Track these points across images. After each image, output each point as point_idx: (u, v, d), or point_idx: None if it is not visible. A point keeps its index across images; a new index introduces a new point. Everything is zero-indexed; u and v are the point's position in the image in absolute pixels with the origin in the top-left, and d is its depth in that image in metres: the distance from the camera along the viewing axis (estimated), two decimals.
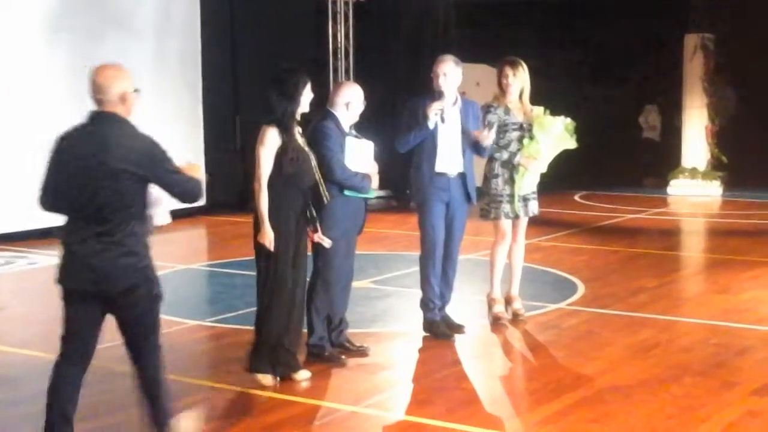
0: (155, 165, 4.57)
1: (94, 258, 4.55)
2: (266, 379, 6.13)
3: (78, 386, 4.85)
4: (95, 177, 4.49)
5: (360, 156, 6.60)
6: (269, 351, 6.15)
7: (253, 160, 6.08)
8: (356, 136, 6.68)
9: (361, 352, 6.86)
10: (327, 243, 6.37)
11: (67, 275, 4.68)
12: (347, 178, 6.52)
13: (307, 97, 6.12)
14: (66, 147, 4.66)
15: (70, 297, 4.73)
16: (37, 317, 8.46)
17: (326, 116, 6.62)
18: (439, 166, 7.21)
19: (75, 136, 4.69)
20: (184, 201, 4.81)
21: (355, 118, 6.70)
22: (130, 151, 4.53)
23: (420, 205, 7.33)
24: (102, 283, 4.56)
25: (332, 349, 6.72)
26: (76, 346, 4.82)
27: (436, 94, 7.19)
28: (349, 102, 6.61)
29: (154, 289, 4.68)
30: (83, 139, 4.63)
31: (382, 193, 15.02)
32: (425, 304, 7.41)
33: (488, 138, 7.27)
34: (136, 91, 4.71)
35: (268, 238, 5.98)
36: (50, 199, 4.68)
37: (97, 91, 4.70)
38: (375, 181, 6.71)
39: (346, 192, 6.56)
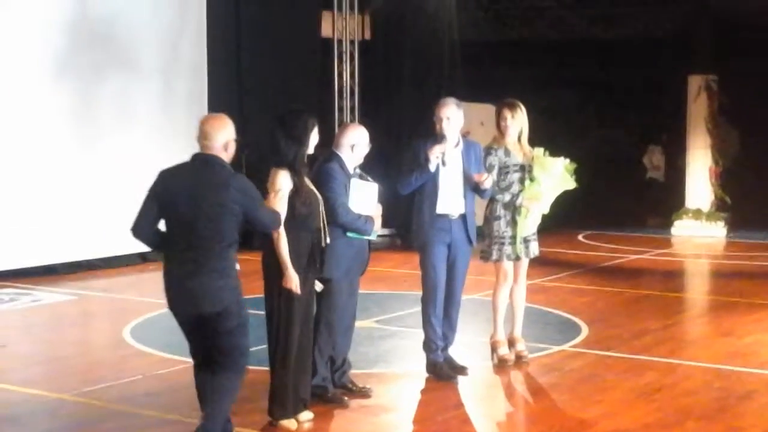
0: (249, 201, 5.32)
1: (189, 281, 5.24)
2: (291, 423, 6.10)
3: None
4: (198, 210, 5.23)
5: (364, 198, 6.62)
6: (290, 394, 6.12)
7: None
8: (361, 177, 6.71)
9: (364, 394, 6.84)
10: (319, 287, 6.37)
11: (172, 301, 5.37)
12: (351, 220, 6.53)
13: (314, 139, 6.15)
14: (170, 183, 5.40)
15: (180, 321, 5.47)
16: (41, 355, 8.46)
17: (331, 158, 6.65)
18: (440, 208, 7.24)
19: (180, 174, 5.44)
20: (266, 230, 5.71)
21: (360, 159, 6.73)
22: (230, 189, 5.26)
23: (421, 247, 7.35)
24: (198, 304, 5.28)
25: (335, 390, 6.70)
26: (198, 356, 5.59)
27: (439, 137, 7.23)
28: (355, 144, 6.64)
29: (244, 310, 5.47)
30: (189, 177, 5.37)
31: (386, 231, 15.02)
32: (428, 345, 7.41)
33: (489, 181, 7.31)
34: (236, 140, 5.42)
35: (294, 282, 5.97)
36: (145, 229, 5.43)
37: (203, 137, 5.38)
38: (378, 224, 6.72)
39: (349, 234, 6.58)
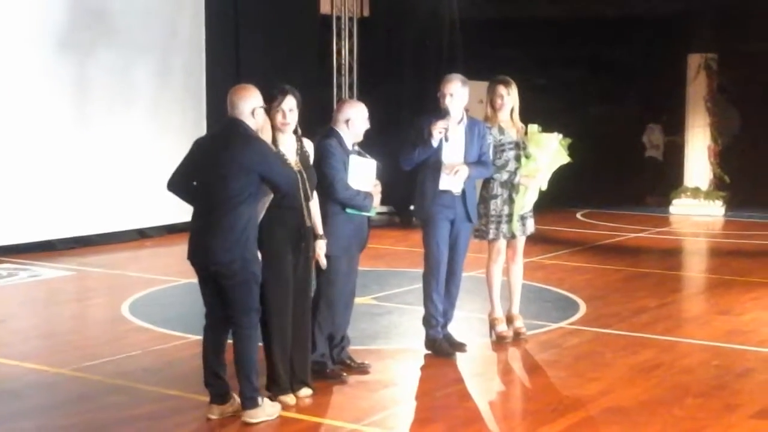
0: (265, 163, 5.59)
1: (200, 237, 5.66)
2: (290, 399, 6.10)
3: (220, 349, 5.83)
4: (213, 168, 5.57)
5: (363, 174, 6.61)
6: (284, 370, 6.13)
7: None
8: (360, 154, 6.70)
9: (363, 369, 6.85)
10: (323, 263, 6.37)
11: (189, 252, 5.74)
12: (350, 197, 6.53)
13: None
14: (201, 142, 5.94)
15: (196, 272, 5.82)
16: (40, 330, 8.48)
17: (329, 134, 6.63)
18: (443, 184, 7.23)
19: (210, 135, 6.26)
20: (280, 192, 5.80)
21: (359, 136, 6.70)
22: (247, 149, 5.58)
23: (425, 223, 7.35)
24: (205, 258, 5.61)
25: (334, 366, 6.71)
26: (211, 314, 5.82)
27: (443, 113, 7.22)
28: (350, 119, 6.62)
29: (250, 267, 5.61)
30: (215, 139, 5.89)
31: (384, 209, 15.02)
32: (428, 321, 7.41)
33: (463, 170, 7.18)
34: (263, 107, 5.77)
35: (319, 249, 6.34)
36: (176, 184, 5.81)
37: (231, 106, 5.74)
38: (377, 200, 6.72)
39: (348, 210, 6.58)
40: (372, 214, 6.77)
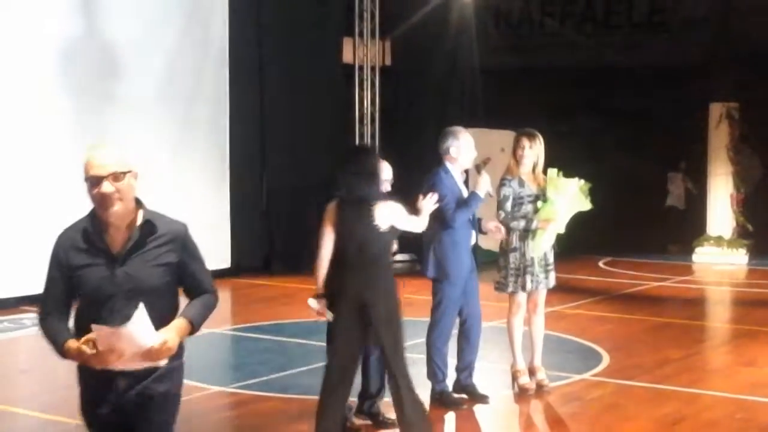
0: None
1: None
2: None
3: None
4: None
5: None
6: None
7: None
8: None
9: (390, 424, 6.75)
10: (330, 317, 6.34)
11: None
12: None
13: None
14: None
15: None
16: (61, 381, 8.47)
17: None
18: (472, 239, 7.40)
19: None
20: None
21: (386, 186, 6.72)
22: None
23: (449, 283, 7.35)
24: None
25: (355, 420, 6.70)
26: None
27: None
28: (387, 180, 6.67)
29: None
30: None
31: (406, 257, 15.01)
32: (435, 375, 7.41)
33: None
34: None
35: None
36: None
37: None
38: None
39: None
40: None
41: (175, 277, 3.98)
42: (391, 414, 6.74)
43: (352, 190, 6.13)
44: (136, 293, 3.77)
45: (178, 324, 3.88)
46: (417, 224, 6.49)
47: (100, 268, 3.84)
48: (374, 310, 6.03)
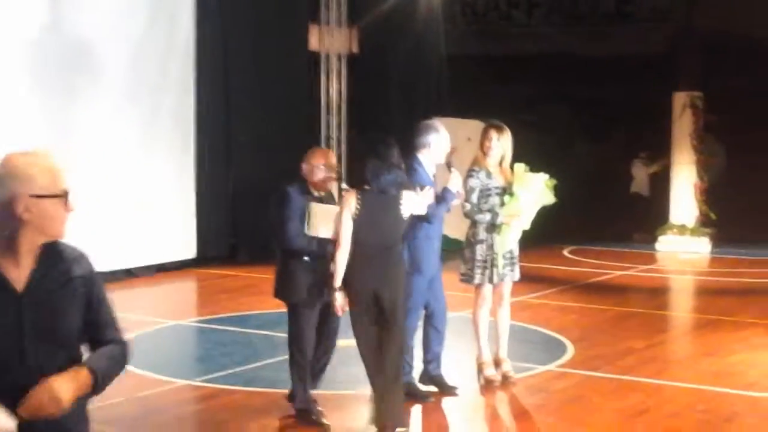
0: None
1: None
2: None
3: None
4: None
5: (323, 221, 6.54)
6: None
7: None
8: (323, 201, 6.70)
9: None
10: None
11: None
12: (301, 245, 6.55)
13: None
14: None
15: None
16: None
17: (294, 181, 6.72)
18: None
19: None
20: None
21: (326, 185, 6.76)
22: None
23: (419, 275, 7.29)
24: None
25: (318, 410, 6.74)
26: None
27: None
28: (314, 166, 6.65)
29: None
30: None
31: None
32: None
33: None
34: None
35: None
36: None
37: None
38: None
39: (306, 258, 6.59)
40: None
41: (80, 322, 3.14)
42: (346, 403, 6.94)
43: (379, 181, 6.25)
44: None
45: (77, 373, 3.01)
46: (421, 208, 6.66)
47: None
48: (389, 297, 6.28)
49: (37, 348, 2.99)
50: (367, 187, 6.34)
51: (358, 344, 6.42)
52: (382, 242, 6.31)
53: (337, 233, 6.34)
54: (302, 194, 6.61)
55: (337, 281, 6.30)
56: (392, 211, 6.31)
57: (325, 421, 6.65)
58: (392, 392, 6.33)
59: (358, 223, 6.27)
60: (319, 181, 6.66)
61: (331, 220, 6.54)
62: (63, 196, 3.17)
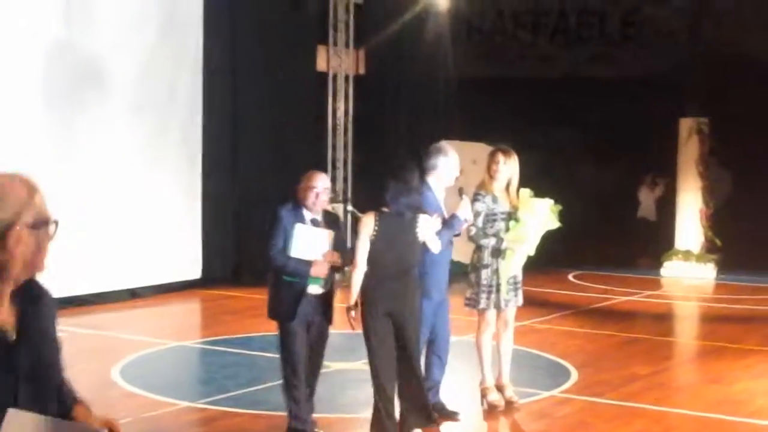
0: None
1: None
2: None
3: None
4: None
5: (307, 244, 6.63)
6: None
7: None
8: (313, 224, 6.75)
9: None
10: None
11: None
12: (281, 264, 6.64)
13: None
14: None
15: None
16: None
17: (287, 201, 6.83)
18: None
19: None
20: None
21: (320, 206, 6.79)
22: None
23: (428, 299, 7.27)
24: None
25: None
26: None
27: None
28: (309, 188, 6.72)
29: None
30: None
31: None
32: None
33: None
34: None
35: None
36: None
37: None
38: (322, 270, 6.70)
39: (285, 277, 6.65)
40: (315, 284, 6.74)
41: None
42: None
43: (398, 203, 6.46)
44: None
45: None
46: (434, 245, 6.76)
47: None
48: (405, 317, 6.53)
49: (30, 389, 2.76)
50: (385, 209, 6.52)
51: (371, 357, 6.56)
52: (399, 264, 6.50)
53: (354, 254, 6.56)
54: (294, 215, 6.67)
55: (351, 299, 6.53)
56: (409, 234, 6.51)
57: None
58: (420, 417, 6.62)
59: (375, 244, 6.45)
60: (311, 203, 6.72)
61: (319, 243, 6.66)
62: (54, 224, 2.84)
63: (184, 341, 10.48)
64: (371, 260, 6.47)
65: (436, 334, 7.45)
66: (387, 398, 6.51)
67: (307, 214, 6.73)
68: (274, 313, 6.83)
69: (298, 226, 6.65)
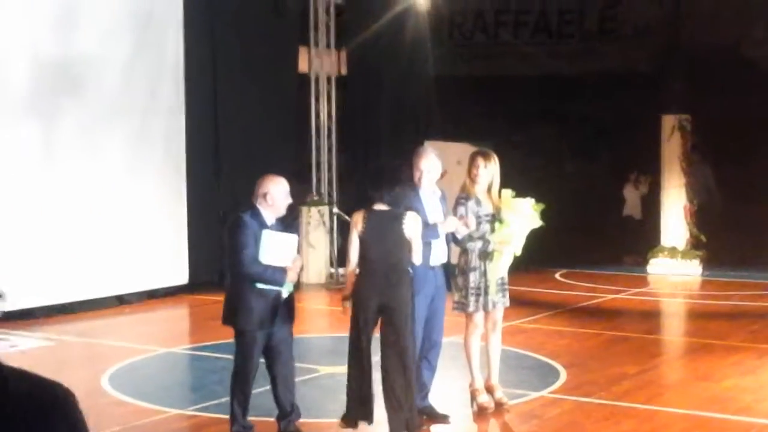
0: None
1: None
2: None
3: None
4: None
5: (277, 249, 6.63)
6: None
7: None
8: (278, 229, 6.75)
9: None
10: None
11: None
12: (255, 272, 6.59)
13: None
14: None
15: None
16: None
17: (247, 209, 6.78)
18: (433, 260, 7.29)
19: None
20: None
21: (280, 210, 6.79)
22: None
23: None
24: None
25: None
26: None
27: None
28: (267, 193, 6.69)
29: None
30: None
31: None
32: None
33: (471, 225, 7.39)
34: None
35: None
36: None
37: None
38: (292, 275, 6.75)
39: (258, 285, 6.62)
40: (285, 289, 6.77)
41: None
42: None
43: (384, 201, 6.80)
44: None
45: None
46: (418, 255, 6.94)
47: None
48: (396, 312, 6.79)
49: None
50: (374, 207, 6.82)
51: (351, 342, 6.93)
52: (387, 259, 6.78)
53: (346, 250, 6.92)
54: (257, 221, 6.65)
55: (345, 292, 6.96)
56: (397, 230, 6.76)
57: None
58: (404, 404, 6.78)
59: (365, 241, 6.76)
60: (273, 207, 6.71)
61: (285, 247, 6.68)
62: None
63: (172, 347, 10.46)
64: (361, 256, 6.79)
65: (430, 340, 7.45)
66: (357, 387, 6.93)
67: (269, 219, 6.71)
68: (236, 320, 6.73)
69: (266, 233, 6.62)
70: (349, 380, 7.00)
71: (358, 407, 6.95)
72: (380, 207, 6.87)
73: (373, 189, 6.92)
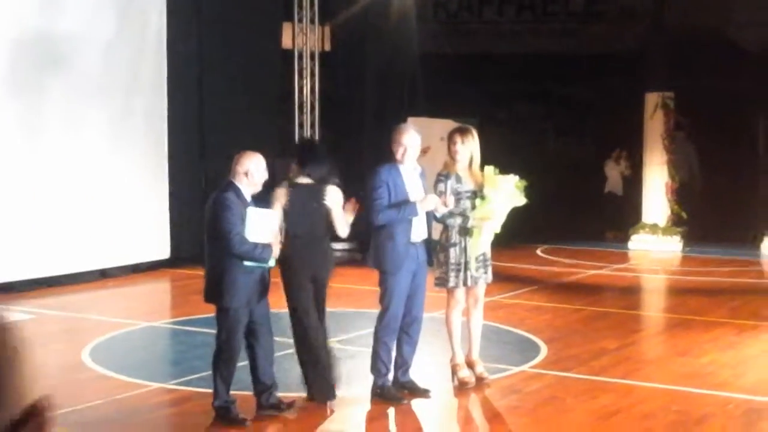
0: None
1: None
2: None
3: None
4: None
5: (262, 226, 6.65)
6: None
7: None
8: (258, 206, 6.77)
9: (291, 410, 7.05)
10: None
11: None
12: (246, 251, 6.60)
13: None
14: None
15: None
16: None
17: (227, 187, 6.72)
18: (414, 236, 7.29)
19: None
20: None
21: (258, 187, 6.80)
22: None
23: (389, 274, 7.34)
24: None
25: (237, 411, 6.87)
26: None
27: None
28: (248, 171, 6.69)
29: None
30: None
31: (345, 245, 15.00)
32: (378, 369, 7.43)
33: (449, 203, 7.41)
34: None
35: None
36: None
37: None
38: (276, 250, 6.77)
39: (246, 263, 6.63)
40: (271, 265, 6.82)
41: None
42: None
43: (310, 175, 7.07)
44: None
45: None
46: (341, 227, 7.20)
47: None
48: (321, 277, 7.18)
49: None
50: (296, 180, 7.14)
51: (299, 310, 7.20)
52: (311, 232, 7.09)
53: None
54: (238, 199, 6.65)
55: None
56: (318, 203, 7.04)
57: (248, 422, 6.79)
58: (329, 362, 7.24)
59: (289, 215, 7.02)
60: (252, 185, 6.72)
61: (270, 223, 6.74)
62: None
63: (154, 322, 10.46)
64: (287, 230, 7.00)
65: (411, 317, 7.46)
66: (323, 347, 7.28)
67: (247, 196, 6.72)
68: (223, 297, 6.71)
69: (251, 210, 6.63)
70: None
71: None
72: (304, 180, 7.14)
73: (299, 162, 7.22)
